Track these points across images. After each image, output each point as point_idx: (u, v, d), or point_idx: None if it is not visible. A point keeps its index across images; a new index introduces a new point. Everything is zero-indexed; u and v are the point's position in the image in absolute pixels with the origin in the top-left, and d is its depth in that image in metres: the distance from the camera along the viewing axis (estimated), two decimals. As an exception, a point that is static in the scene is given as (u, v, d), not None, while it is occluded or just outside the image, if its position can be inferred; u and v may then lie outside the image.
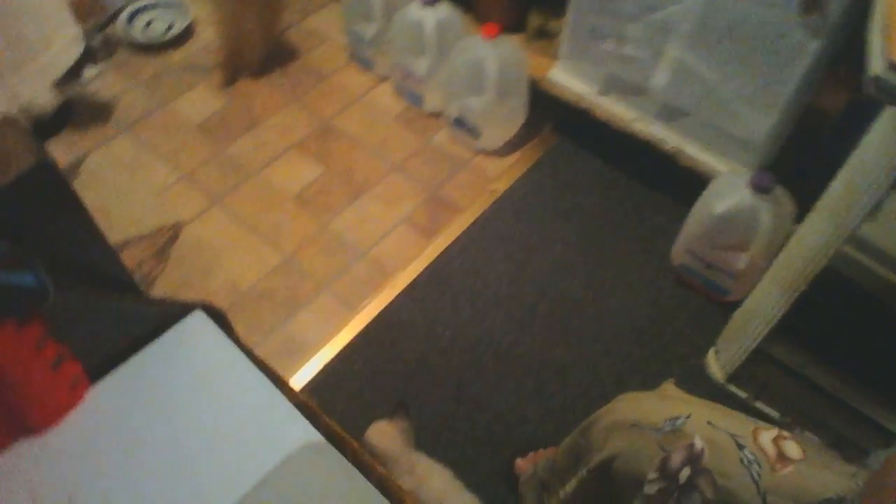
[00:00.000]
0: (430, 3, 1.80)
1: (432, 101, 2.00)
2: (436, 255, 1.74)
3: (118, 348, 0.70)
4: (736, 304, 1.46)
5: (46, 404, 0.65)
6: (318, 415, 0.67)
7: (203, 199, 1.85)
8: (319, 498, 0.60)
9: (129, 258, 1.71)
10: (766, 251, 1.45)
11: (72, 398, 0.67)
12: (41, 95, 1.63)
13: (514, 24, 1.92)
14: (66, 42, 1.71)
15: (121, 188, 1.87)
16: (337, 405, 1.48)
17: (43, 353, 0.62)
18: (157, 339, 0.72)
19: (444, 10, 1.82)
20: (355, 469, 0.62)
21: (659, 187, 1.85)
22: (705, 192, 1.50)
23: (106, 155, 1.94)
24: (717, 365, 1.50)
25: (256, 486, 0.61)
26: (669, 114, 1.65)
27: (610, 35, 1.60)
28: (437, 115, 2.03)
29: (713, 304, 1.63)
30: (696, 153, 1.64)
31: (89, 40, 1.88)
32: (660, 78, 1.58)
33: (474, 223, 1.80)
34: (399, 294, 1.66)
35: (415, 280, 1.69)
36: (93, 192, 1.85)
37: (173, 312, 0.73)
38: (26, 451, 0.65)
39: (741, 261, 1.49)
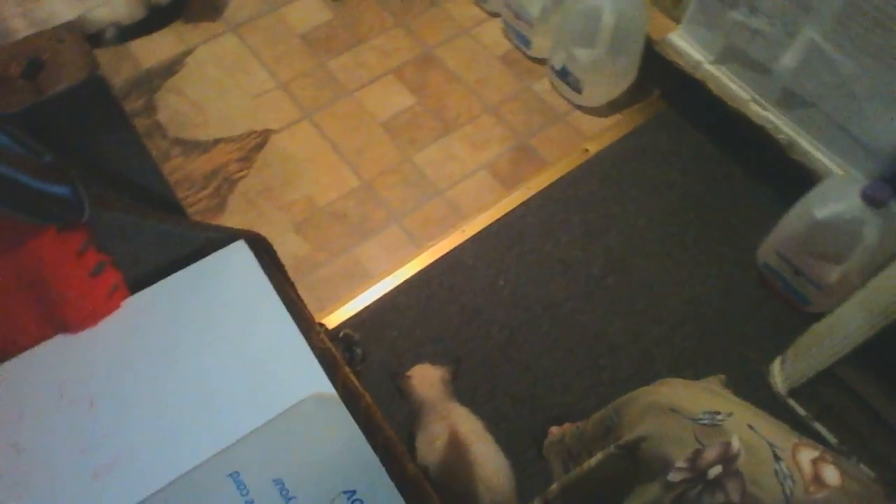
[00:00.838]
0: (556, -58, 1.70)
1: (539, 46, 1.92)
2: (512, 206, 1.70)
3: (156, 268, 0.72)
4: (815, 317, 1.36)
5: (82, 307, 0.68)
6: (338, 364, 0.68)
7: (295, 110, 1.87)
8: (313, 452, 0.61)
9: (216, 157, 1.76)
10: (863, 268, 1.33)
11: (108, 304, 0.70)
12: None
13: (641, -24, 1.79)
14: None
15: (219, 86, 1.91)
16: (387, 337, 1.51)
17: (83, 259, 0.64)
18: (192, 265, 0.74)
19: (569, -48, 1.72)
20: (357, 428, 0.62)
21: (761, 178, 1.72)
22: (810, 193, 1.39)
23: (211, 51, 1.98)
24: (780, 376, 1.42)
25: (255, 430, 0.62)
26: (790, 101, 1.51)
27: (742, 3, 1.47)
28: (541, 61, 1.95)
29: (790, 311, 1.53)
30: (811, 148, 1.51)
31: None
32: (788, 60, 1.45)
33: (558, 181, 1.74)
34: (467, 240, 1.65)
35: (486, 228, 1.67)
36: (193, 86, 1.90)
37: (216, 239, 0.74)
38: (62, 348, 0.69)
39: (833, 273, 1.38)
